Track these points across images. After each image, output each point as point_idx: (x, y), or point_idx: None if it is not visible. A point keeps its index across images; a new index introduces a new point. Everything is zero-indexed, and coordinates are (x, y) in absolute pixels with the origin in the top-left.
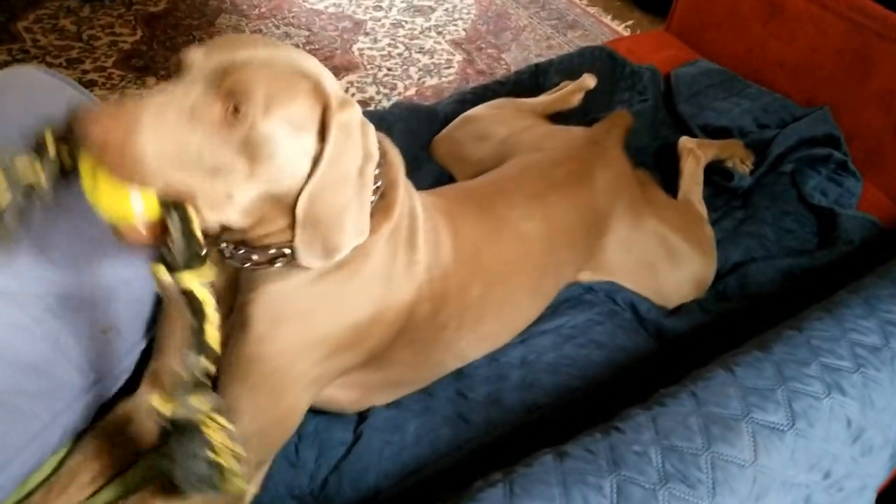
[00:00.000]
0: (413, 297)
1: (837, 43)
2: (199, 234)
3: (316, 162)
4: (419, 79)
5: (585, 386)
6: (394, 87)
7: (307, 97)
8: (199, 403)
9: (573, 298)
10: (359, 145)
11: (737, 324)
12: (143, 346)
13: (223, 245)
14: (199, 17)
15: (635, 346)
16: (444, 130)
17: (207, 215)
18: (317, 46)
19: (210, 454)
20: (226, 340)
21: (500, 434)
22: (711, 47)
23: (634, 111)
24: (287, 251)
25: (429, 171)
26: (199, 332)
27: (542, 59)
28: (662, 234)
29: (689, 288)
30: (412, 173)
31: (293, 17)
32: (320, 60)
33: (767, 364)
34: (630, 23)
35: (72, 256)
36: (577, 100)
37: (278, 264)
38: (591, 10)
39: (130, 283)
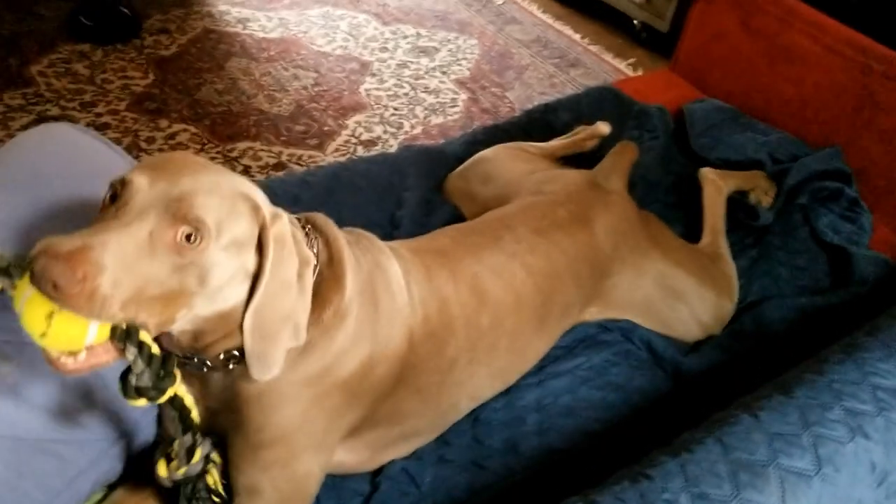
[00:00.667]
0: (404, 343)
1: (844, 83)
2: (158, 352)
3: (257, 277)
4: (425, 117)
5: (603, 429)
6: (400, 126)
7: (248, 218)
8: (198, 459)
9: (588, 338)
10: (293, 252)
11: (753, 362)
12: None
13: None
14: (209, 60)
15: (652, 387)
16: (457, 170)
17: (153, 332)
18: (325, 87)
19: (214, 496)
20: (223, 431)
21: (517, 480)
22: (718, 87)
23: (645, 147)
24: (236, 353)
25: (441, 210)
26: (185, 419)
27: (545, 97)
28: (670, 275)
29: (699, 327)
30: (425, 215)
31: (301, 59)
32: (328, 102)
33: (791, 408)
34: (632, 61)
35: None
36: (590, 146)
37: (231, 365)
38: (593, 48)
39: None
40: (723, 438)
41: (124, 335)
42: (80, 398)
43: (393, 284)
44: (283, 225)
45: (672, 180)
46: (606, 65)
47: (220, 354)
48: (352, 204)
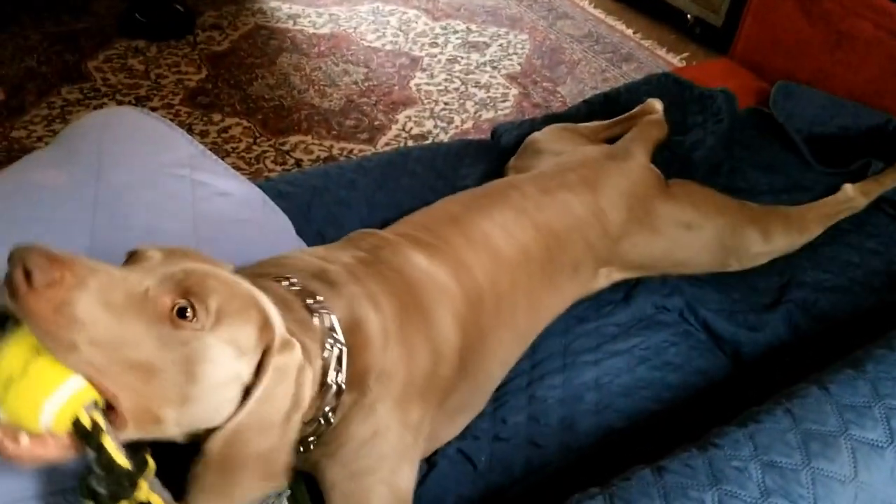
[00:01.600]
0: (457, 332)
1: None
2: (120, 461)
3: (245, 398)
4: (476, 112)
5: (661, 409)
6: (451, 121)
7: (255, 328)
8: None
9: (646, 318)
10: (290, 392)
11: (818, 345)
12: None
13: None
14: (260, 55)
15: (712, 369)
16: (516, 154)
17: (131, 431)
18: (375, 83)
19: None
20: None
21: (574, 459)
22: (778, 74)
23: (709, 131)
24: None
25: None
26: None
27: (598, 92)
28: (679, 214)
29: (709, 254)
30: None
31: (351, 54)
32: (379, 96)
33: (861, 382)
34: (685, 55)
35: None
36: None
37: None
38: (646, 42)
39: None
40: (792, 409)
41: (85, 432)
42: None
43: (426, 277)
44: (292, 357)
45: (733, 164)
46: (659, 59)
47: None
48: (407, 188)
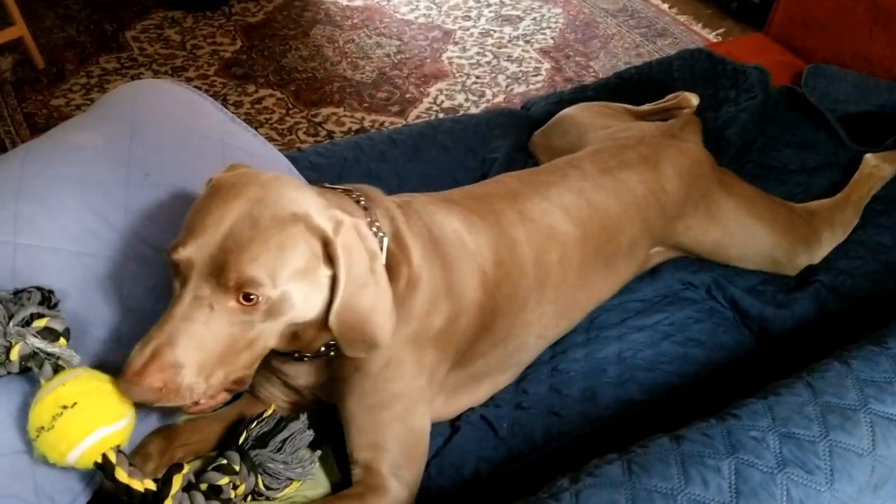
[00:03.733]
0: (480, 290)
1: None
2: (136, 486)
3: (333, 282)
4: (507, 86)
5: (682, 384)
6: (482, 95)
7: (303, 241)
8: None
9: (672, 294)
10: (362, 252)
11: (843, 324)
12: None
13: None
14: (294, 27)
15: (736, 345)
16: (544, 126)
17: (256, 363)
18: (407, 55)
19: None
20: (329, 400)
21: (594, 429)
22: (814, 52)
23: (742, 108)
24: (332, 342)
25: (524, 167)
26: None
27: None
28: (742, 221)
29: (762, 259)
30: (508, 171)
31: (384, 27)
32: (411, 70)
33: (884, 358)
34: (721, 31)
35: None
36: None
37: (332, 353)
38: (682, 18)
39: None
40: (812, 383)
41: (101, 468)
42: None
43: (454, 237)
44: (347, 231)
45: (766, 141)
46: (695, 35)
47: (319, 348)
48: (438, 161)
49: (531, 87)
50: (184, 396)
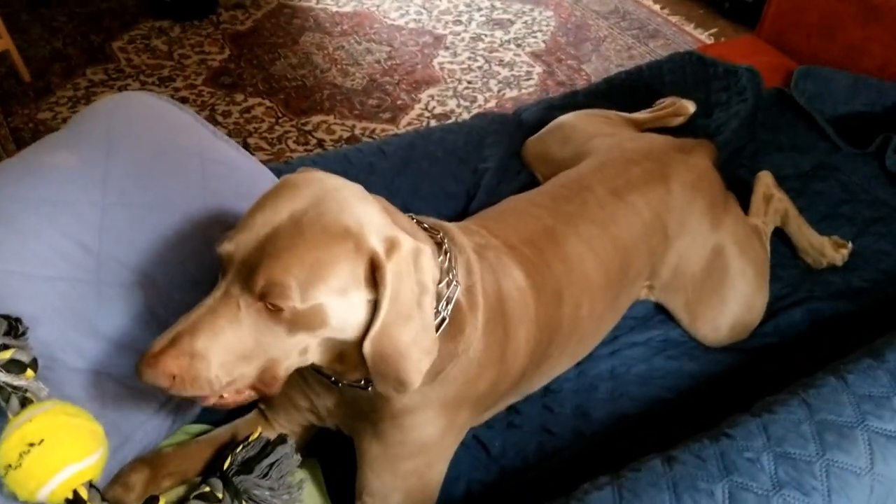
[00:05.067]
0: (527, 357)
1: None
2: None
3: (375, 306)
4: (499, 91)
5: (677, 398)
6: (474, 100)
7: (348, 260)
8: None
9: (666, 311)
10: (414, 283)
11: (840, 332)
12: None
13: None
14: (283, 35)
15: (730, 357)
16: (535, 135)
17: (288, 370)
18: (398, 61)
19: None
20: (351, 430)
21: (587, 445)
22: (806, 52)
23: (733, 112)
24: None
25: (518, 178)
26: None
27: (623, 69)
28: (727, 253)
29: (729, 324)
30: (502, 183)
31: (374, 33)
32: (402, 75)
33: (881, 372)
34: (714, 31)
35: (178, 254)
36: (676, 122)
37: (370, 388)
38: (673, 18)
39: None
40: (808, 400)
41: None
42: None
43: (520, 297)
44: (401, 255)
45: (757, 146)
46: (687, 36)
47: (360, 380)
48: (428, 173)
49: (523, 91)
50: (201, 387)
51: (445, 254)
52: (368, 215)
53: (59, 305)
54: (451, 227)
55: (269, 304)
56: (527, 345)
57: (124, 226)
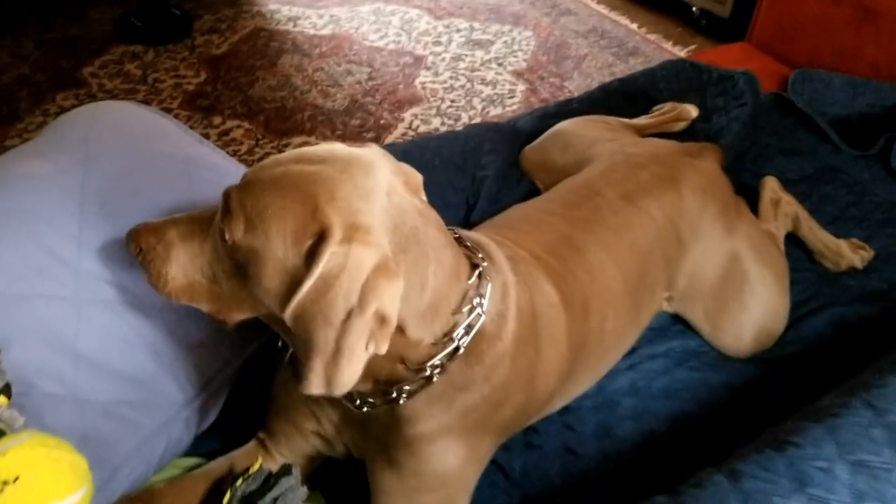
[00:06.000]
0: (557, 382)
1: None
2: None
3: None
4: (483, 109)
5: (703, 411)
6: (458, 118)
7: (297, 218)
8: None
9: (683, 321)
10: (355, 290)
11: (871, 336)
12: (237, 363)
13: None
14: (260, 57)
15: (755, 367)
16: (534, 143)
17: (233, 318)
18: (379, 81)
19: None
20: (363, 454)
21: (614, 466)
22: (798, 57)
23: (732, 116)
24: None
25: (518, 187)
26: None
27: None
28: (744, 258)
29: (752, 333)
30: (501, 191)
31: (354, 54)
32: (383, 95)
33: None
34: (692, 47)
35: None
36: (678, 128)
37: (403, 397)
38: (651, 36)
39: None
40: (872, 401)
41: None
42: (146, 356)
43: (554, 314)
44: (358, 253)
45: (759, 150)
46: (666, 53)
47: (361, 394)
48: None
49: (507, 108)
50: (150, 273)
51: (479, 278)
52: (354, 197)
53: (35, 325)
54: (493, 246)
55: (221, 228)
56: (557, 365)
57: (105, 238)
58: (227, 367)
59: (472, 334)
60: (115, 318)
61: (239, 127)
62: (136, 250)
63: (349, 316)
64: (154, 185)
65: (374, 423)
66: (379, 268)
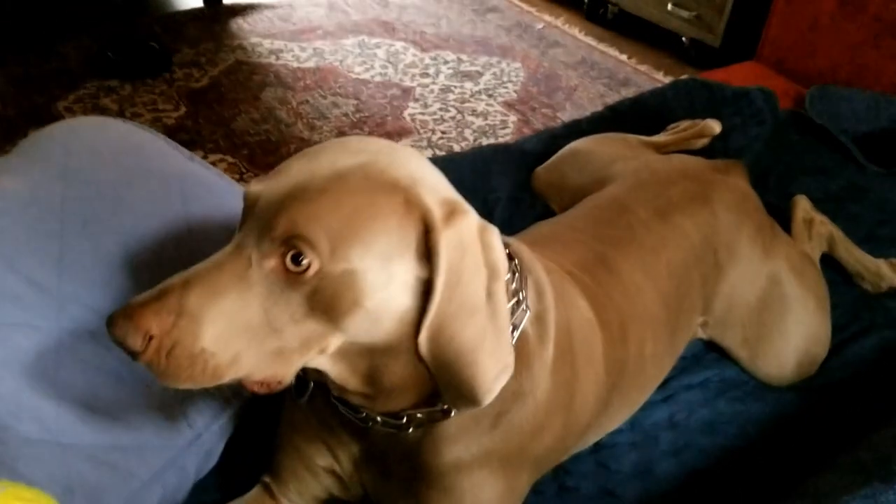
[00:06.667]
0: (597, 404)
1: None
2: None
3: (428, 292)
4: (475, 140)
5: (748, 445)
6: (450, 149)
7: (394, 215)
8: None
9: (717, 348)
10: (480, 261)
11: None
12: (240, 401)
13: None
14: (243, 91)
15: (799, 397)
16: (546, 163)
17: (296, 368)
18: (367, 114)
19: None
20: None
21: None
22: (813, 74)
23: (752, 135)
24: (420, 413)
25: (533, 209)
26: None
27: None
28: (785, 281)
29: (795, 360)
30: (515, 215)
31: (339, 87)
32: (372, 127)
33: None
34: (684, 77)
35: None
36: (699, 144)
37: (412, 428)
38: (642, 67)
39: None
40: None
41: None
42: (138, 393)
43: (589, 331)
44: (464, 223)
45: (782, 170)
46: (658, 83)
47: (397, 412)
48: None
49: (500, 139)
50: (178, 362)
51: (513, 271)
52: (425, 171)
53: (10, 360)
54: (520, 245)
55: (289, 261)
56: (595, 388)
57: (89, 261)
58: (230, 404)
59: (517, 334)
60: (102, 349)
61: (222, 161)
62: (142, 342)
63: (488, 292)
64: (143, 202)
65: (399, 457)
66: (481, 228)
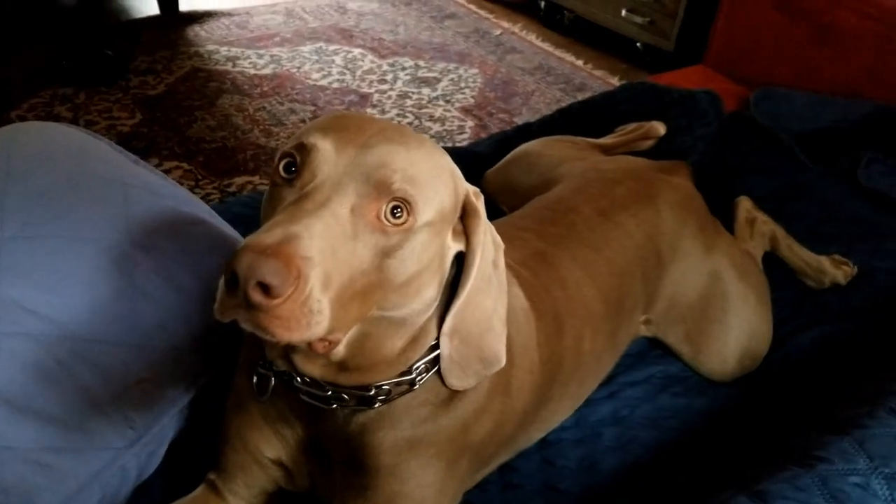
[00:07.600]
0: (533, 392)
1: None
2: None
3: (457, 267)
4: None
5: (691, 438)
6: None
7: (450, 189)
8: None
9: (663, 346)
10: (490, 239)
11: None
12: (185, 400)
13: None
14: (199, 98)
15: (740, 390)
16: (498, 164)
17: (333, 347)
18: None
19: None
20: (325, 486)
21: (601, 502)
22: (757, 77)
23: (697, 135)
24: (387, 386)
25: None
26: None
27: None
28: (726, 278)
29: (736, 356)
30: None
31: (297, 93)
32: None
33: None
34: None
35: (96, 294)
36: (645, 146)
37: (378, 404)
38: (598, 73)
39: (166, 329)
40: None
41: None
42: (76, 395)
43: (524, 320)
44: (483, 206)
45: (726, 170)
46: (614, 87)
47: (367, 386)
48: None
49: (458, 144)
50: (306, 313)
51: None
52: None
53: None
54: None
55: (391, 213)
56: (531, 377)
57: (27, 263)
58: (173, 406)
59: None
60: (39, 351)
61: (178, 168)
62: (288, 281)
63: (495, 263)
64: (83, 206)
65: (344, 441)
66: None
